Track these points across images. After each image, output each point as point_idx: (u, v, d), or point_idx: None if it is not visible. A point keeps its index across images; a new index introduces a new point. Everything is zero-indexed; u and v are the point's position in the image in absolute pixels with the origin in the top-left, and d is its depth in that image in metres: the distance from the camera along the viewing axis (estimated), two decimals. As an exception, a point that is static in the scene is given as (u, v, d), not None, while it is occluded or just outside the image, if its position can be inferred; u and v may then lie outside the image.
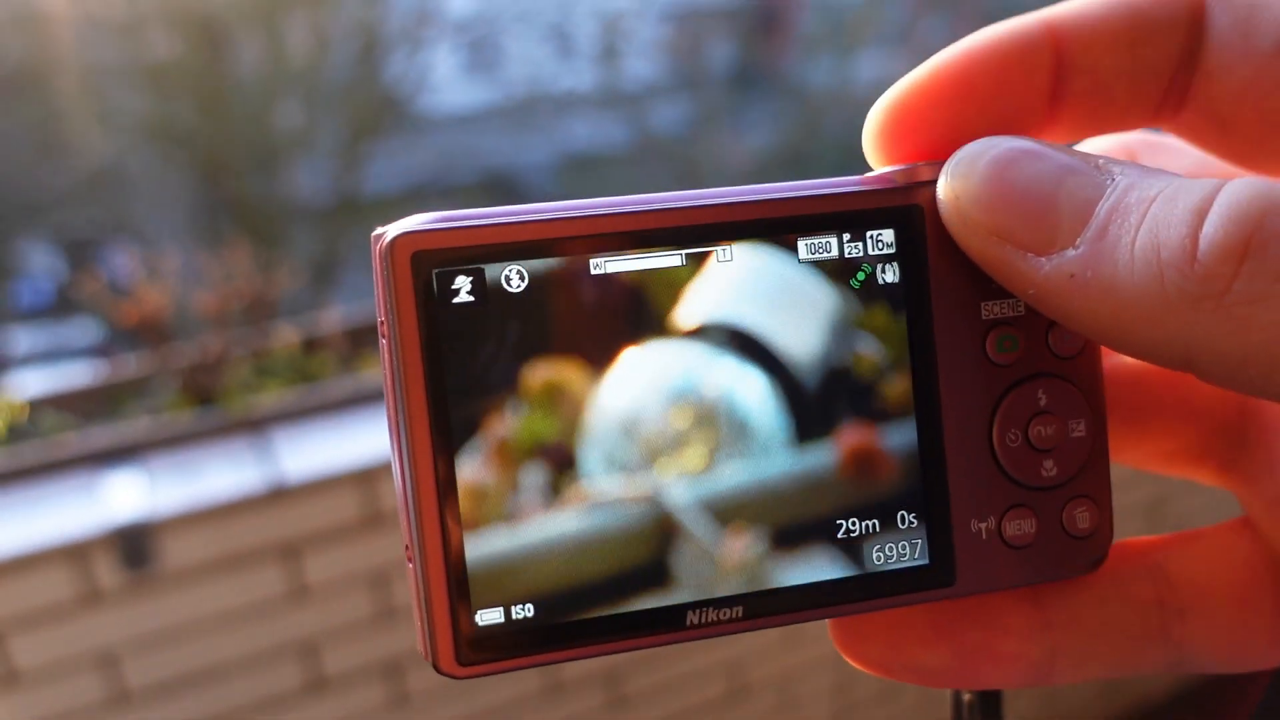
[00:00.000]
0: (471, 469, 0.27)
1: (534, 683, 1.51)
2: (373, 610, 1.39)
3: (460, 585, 0.27)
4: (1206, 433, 0.34)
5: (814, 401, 0.29)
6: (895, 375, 0.30)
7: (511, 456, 0.28)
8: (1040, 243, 0.25)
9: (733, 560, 0.29)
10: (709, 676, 1.66)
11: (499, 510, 0.27)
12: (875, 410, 0.29)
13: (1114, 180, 0.25)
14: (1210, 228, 0.22)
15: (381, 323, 0.27)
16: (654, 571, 0.29)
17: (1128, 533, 0.31)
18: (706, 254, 0.28)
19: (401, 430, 0.27)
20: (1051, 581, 0.31)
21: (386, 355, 0.27)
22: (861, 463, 0.30)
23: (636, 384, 0.28)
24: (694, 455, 0.29)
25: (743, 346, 0.29)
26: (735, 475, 0.29)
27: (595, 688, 1.56)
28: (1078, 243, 0.25)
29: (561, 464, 0.28)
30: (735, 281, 0.29)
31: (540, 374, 0.28)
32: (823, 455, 0.29)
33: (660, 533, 0.29)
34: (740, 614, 0.29)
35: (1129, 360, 0.33)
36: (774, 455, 0.29)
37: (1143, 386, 0.34)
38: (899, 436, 0.30)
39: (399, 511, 0.27)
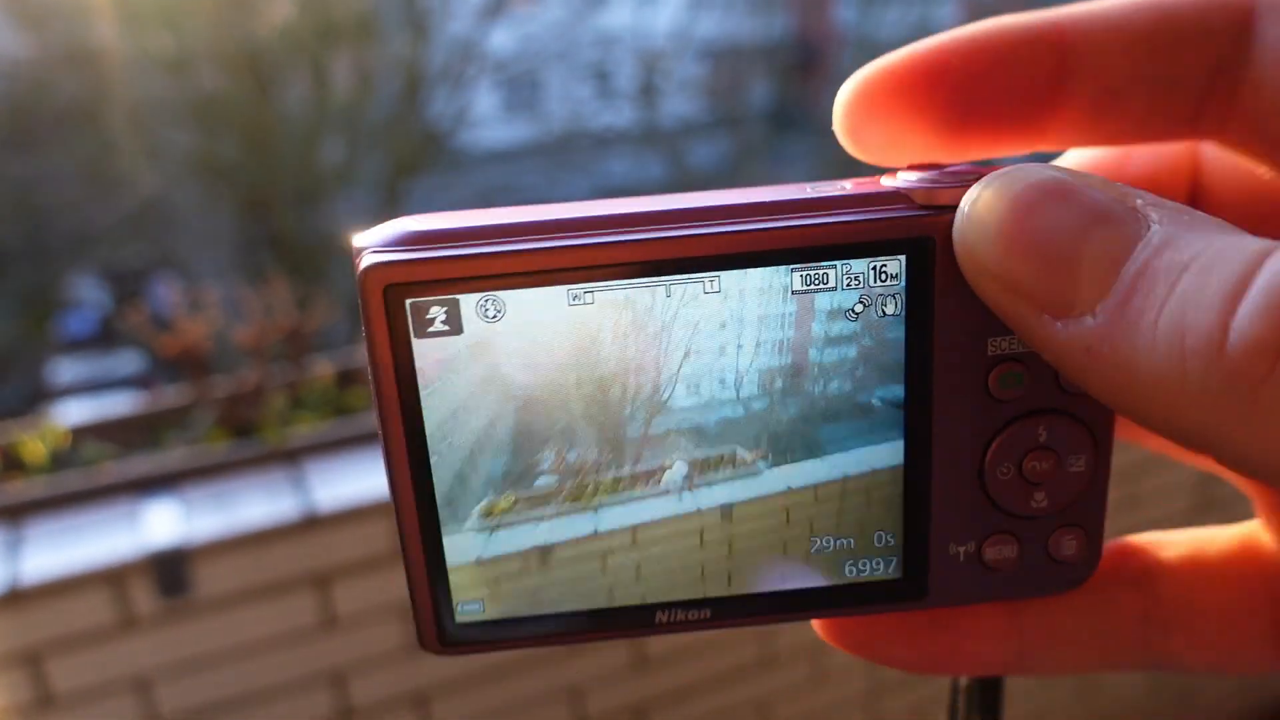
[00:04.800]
0: (448, 481, 0.29)
1: (559, 716, 1.52)
2: (402, 640, 1.40)
3: (442, 583, 0.30)
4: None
5: (801, 421, 0.29)
6: (888, 401, 0.29)
7: (485, 469, 0.29)
8: (1057, 304, 0.23)
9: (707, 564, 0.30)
10: (736, 714, 1.65)
11: (476, 517, 0.29)
12: (865, 432, 0.29)
13: (1148, 233, 0.22)
14: (1244, 316, 0.19)
15: (366, 343, 0.27)
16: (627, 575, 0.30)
17: (1174, 509, 0.30)
18: (694, 283, 0.27)
19: (388, 449, 0.28)
20: (1028, 599, 0.31)
21: (370, 375, 0.28)
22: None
23: (616, 407, 0.28)
24: (674, 472, 0.29)
25: (727, 368, 0.28)
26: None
27: (621, 722, 1.57)
28: (1097, 310, 0.22)
29: (536, 474, 0.29)
30: (722, 308, 0.28)
31: (515, 398, 0.28)
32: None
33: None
34: (708, 615, 0.30)
35: None
36: (758, 472, 0.29)
37: None
38: (885, 460, 0.29)
39: (394, 512, 0.29)
